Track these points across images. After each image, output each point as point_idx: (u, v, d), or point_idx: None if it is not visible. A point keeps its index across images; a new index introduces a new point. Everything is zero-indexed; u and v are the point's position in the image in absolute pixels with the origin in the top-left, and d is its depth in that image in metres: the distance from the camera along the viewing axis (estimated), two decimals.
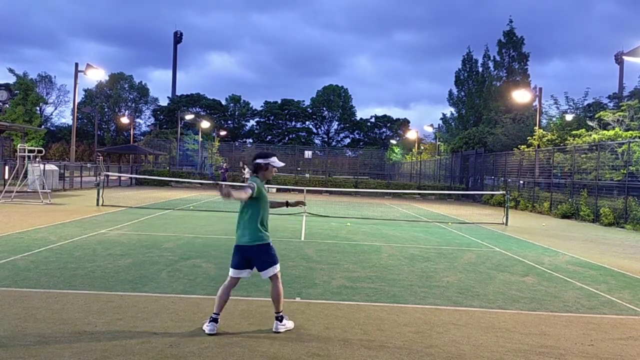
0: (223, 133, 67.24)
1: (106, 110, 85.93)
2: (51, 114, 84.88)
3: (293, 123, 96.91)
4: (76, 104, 28.36)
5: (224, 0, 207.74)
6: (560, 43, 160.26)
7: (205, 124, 54.08)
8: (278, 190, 31.71)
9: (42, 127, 62.65)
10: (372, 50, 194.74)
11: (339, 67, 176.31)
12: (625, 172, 18.67)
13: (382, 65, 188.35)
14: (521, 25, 66.53)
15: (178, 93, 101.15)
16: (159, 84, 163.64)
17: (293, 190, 30.42)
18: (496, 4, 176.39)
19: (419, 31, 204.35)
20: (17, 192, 18.87)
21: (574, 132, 24.89)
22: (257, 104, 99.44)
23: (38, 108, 63.81)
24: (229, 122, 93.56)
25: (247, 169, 32.62)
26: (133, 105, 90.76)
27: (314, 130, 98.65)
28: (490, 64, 48.66)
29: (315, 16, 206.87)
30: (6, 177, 21.08)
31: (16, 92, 51.34)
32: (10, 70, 55.14)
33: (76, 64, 25.99)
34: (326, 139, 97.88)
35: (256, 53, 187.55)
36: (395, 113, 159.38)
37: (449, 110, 57.57)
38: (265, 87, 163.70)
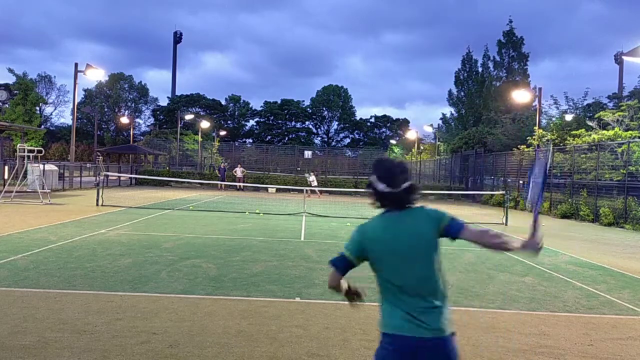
0: (223, 133, 67.14)
1: (106, 110, 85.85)
2: (51, 114, 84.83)
3: (293, 123, 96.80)
4: (76, 104, 28.33)
5: (213, 1, 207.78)
6: (550, 44, 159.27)
7: (205, 124, 54.04)
8: (278, 190, 31.72)
9: (42, 127, 62.61)
10: (364, 51, 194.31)
11: (332, 67, 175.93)
12: (624, 172, 18.67)
13: (375, 65, 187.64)
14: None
15: (177, 93, 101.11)
16: (154, 84, 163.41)
17: (293, 190, 30.41)
18: (484, 5, 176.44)
19: (409, 32, 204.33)
20: (16, 192, 18.87)
21: (573, 132, 24.86)
22: (253, 104, 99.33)
23: (38, 108, 63.69)
24: (229, 122, 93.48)
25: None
26: (133, 105, 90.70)
27: (314, 130, 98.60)
28: (490, 64, 48.67)
29: (305, 17, 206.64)
30: (6, 177, 21.07)
31: (16, 92, 51.29)
32: (10, 70, 55.09)
33: (76, 64, 25.95)
34: (326, 139, 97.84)
35: (249, 53, 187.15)
36: (391, 113, 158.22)
37: (449, 110, 57.62)
38: (261, 87, 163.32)
